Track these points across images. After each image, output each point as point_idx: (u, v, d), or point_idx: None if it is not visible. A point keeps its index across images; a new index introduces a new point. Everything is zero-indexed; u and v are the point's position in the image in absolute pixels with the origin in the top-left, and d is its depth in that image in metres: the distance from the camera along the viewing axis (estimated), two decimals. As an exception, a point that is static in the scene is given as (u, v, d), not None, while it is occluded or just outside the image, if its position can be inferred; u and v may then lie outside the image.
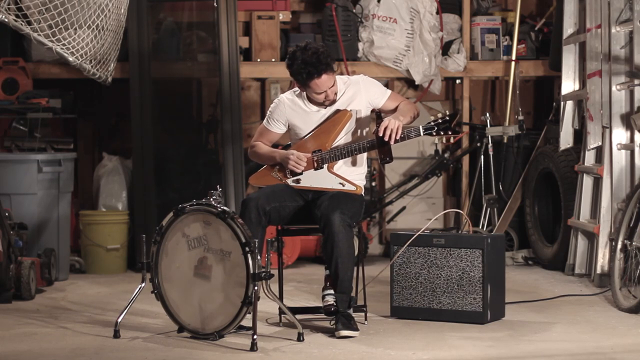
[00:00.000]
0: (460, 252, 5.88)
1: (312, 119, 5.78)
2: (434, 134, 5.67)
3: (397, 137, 5.59)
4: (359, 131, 5.77)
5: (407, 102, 5.86)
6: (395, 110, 5.78)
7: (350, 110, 5.72)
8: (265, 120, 5.91)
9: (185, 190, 8.00)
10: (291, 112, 5.81)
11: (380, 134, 5.60)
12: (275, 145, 5.97)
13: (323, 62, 5.59)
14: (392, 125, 5.59)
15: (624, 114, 7.04)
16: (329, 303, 5.61)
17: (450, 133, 5.68)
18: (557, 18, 8.10)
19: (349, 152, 5.69)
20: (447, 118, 5.66)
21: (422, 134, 5.65)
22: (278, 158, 5.79)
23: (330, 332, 5.55)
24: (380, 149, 5.67)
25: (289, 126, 5.84)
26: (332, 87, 5.68)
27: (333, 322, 5.61)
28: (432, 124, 5.67)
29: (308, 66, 5.59)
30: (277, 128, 5.86)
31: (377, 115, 5.78)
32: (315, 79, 5.62)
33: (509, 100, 8.58)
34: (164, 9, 8.52)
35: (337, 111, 5.75)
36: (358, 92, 5.77)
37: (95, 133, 8.94)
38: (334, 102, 5.75)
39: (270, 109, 5.89)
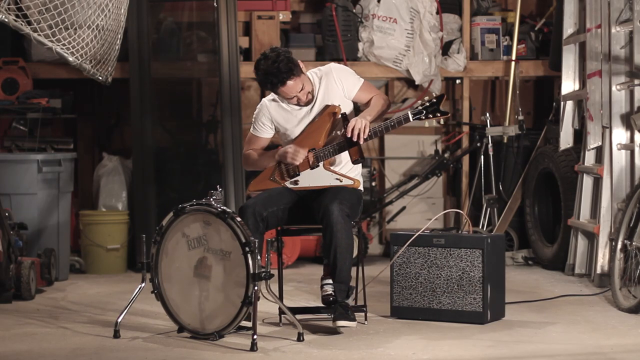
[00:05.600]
0: (460, 252, 5.88)
1: (296, 117, 5.78)
2: (423, 117, 5.64)
3: (365, 136, 5.59)
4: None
5: (378, 95, 5.83)
6: (368, 104, 5.78)
7: (339, 105, 5.72)
8: (252, 127, 5.91)
9: (185, 190, 8.00)
10: (275, 113, 5.82)
11: (348, 135, 5.61)
12: (268, 149, 5.97)
13: (283, 71, 5.59)
14: (359, 124, 5.59)
15: (624, 114, 7.04)
16: (327, 292, 5.61)
17: (439, 115, 5.66)
18: (557, 18, 8.09)
19: (342, 147, 5.69)
20: (435, 100, 5.64)
21: (411, 119, 5.63)
22: (276, 157, 5.79)
23: (330, 333, 5.55)
24: (351, 150, 5.66)
25: (275, 128, 5.84)
26: (302, 90, 5.69)
27: (331, 313, 5.61)
28: (420, 107, 5.65)
29: (269, 76, 5.61)
30: (265, 132, 5.86)
31: (343, 117, 5.73)
32: (280, 87, 5.65)
33: (509, 100, 8.58)
34: (164, 9, 8.52)
35: (326, 107, 5.74)
36: (332, 82, 5.75)
37: (95, 133, 8.94)
38: (311, 100, 5.75)
39: (254, 115, 5.90)
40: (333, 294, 5.60)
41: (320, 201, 5.59)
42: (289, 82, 5.63)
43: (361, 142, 5.61)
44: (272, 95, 5.85)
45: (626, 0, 6.97)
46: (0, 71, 8.15)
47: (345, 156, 5.75)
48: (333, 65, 5.85)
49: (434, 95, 5.67)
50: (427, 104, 5.64)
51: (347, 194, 5.66)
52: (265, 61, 5.62)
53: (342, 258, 5.56)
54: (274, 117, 5.81)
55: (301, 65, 5.68)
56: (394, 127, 5.65)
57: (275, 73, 5.59)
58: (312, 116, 5.77)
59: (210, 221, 5.40)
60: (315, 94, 5.75)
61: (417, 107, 5.65)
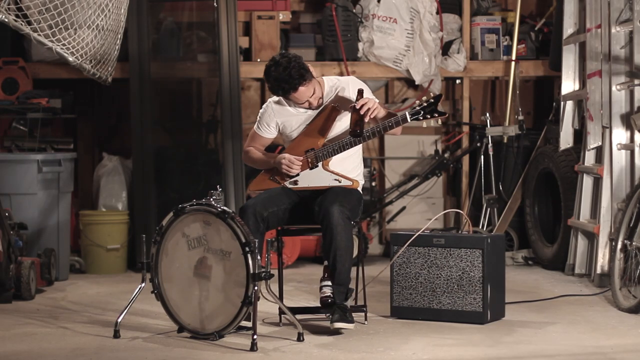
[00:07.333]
0: (460, 252, 5.88)
1: (301, 120, 5.80)
2: (421, 118, 5.62)
3: (372, 115, 5.56)
4: (348, 125, 5.76)
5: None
6: None
7: (337, 105, 5.72)
8: (255, 126, 5.92)
9: (185, 190, 8.00)
10: (280, 115, 5.83)
11: (358, 107, 5.58)
12: (271, 148, 5.98)
13: (295, 77, 5.59)
14: (371, 104, 5.58)
15: (624, 114, 7.04)
16: (326, 294, 5.61)
17: (437, 115, 5.63)
18: (557, 18, 8.10)
19: (341, 147, 5.69)
20: (432, 100, 5.62)
21: (409, 119, 5.62)
22: (272, 163, 5.80)
23: (330, 333, 5.55)
24: (354, 121, 5.62)
25: (279, 129, 5.85)
26: (313, 94, 5.70)
27: (329, 315, 5.61)
28: (418, 108, 5.64)
29: (281, 83, 5.61)
30: (268, 132, 5.88)
31: (359, 92, 5.69)
32: (292, 93, 5.65)
33: (509, 100, 8.58)
34: (164, 9, 8.52)
35: (325, 107, 5.75)
36: (346, 92, 5.76)
37: (95, 133, 8.94)
38: (320, 105, 5.76)
39: (259, 114, 5.91)
40: (332, 296, 5.60)
41: (321, 202, 5.59)
42: (301, 88, 5.64)
43: (366, 119, 5.58)
44: (277, 97, 5.86)
45: (626, 0, 6.97)
46: (0, 71, 8.15)
47: (344, 157, 5.74)
48: (352, 78, 5.87)
49: (432, 96, 5.65)
50: (425, 104, 5.62)
51: (348, 195, 5.66)
52: (276, 68, 5.61)
53: (342, 260, 5.56)
54: (279, 118, 5.82)
55: (311, 69, 5.69)
56: (391, 127, 5.64)
57: (287, 79, 5.59)
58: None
59: (210, 221, 5.40)
60: (325, 100, 5.76)
61: (414, 108, 5.64)
